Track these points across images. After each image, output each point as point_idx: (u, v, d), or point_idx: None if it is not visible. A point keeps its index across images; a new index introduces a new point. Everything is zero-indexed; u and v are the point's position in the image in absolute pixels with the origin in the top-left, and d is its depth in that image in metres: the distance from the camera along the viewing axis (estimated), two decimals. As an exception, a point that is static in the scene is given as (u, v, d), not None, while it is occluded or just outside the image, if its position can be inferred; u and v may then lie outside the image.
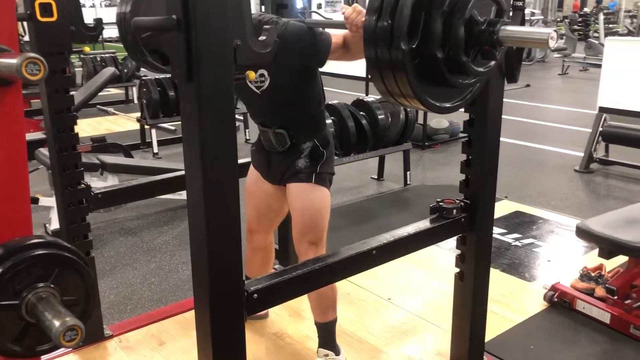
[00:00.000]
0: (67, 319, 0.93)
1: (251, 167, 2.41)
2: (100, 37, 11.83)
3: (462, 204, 2.11)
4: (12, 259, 1.00)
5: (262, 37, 1.46)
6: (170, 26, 1.30)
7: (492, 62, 1.53)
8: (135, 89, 8.46)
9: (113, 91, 9.21)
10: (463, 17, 1.40)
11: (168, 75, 5.72)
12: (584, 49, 12.64)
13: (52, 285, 1.03)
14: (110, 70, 5.29)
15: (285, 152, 2.21)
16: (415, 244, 2.01)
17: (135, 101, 8.68)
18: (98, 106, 7.89)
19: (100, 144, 5.14)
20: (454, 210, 2.06)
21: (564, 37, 14.74)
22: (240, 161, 2.77)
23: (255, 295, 1.57)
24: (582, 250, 3.44)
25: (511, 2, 1.97)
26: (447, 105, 1.59)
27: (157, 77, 5.78)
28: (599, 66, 11.00)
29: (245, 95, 2.19)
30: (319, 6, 16.13)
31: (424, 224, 2.03)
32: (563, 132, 7.08)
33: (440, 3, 1.40)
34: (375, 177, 5.10)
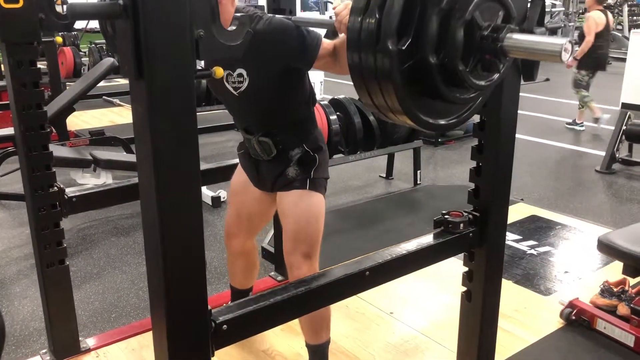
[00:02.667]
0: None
1: (239, 167, 2.21)
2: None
3: (470, 216, 1.87)
4: None
5: (231, 27, 1.24)
6: (115, 13, 1.08)
7: (495, 76, 1.29)
8: (142, 80, 8.25)
9: (121, 81, 9.04)
10: (463, 18, 1.17)
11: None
12: (606, 41, 12.22)
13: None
14: (109, 61, 5.08)
15: (272, 160, 2.01)
16: (416, 263, 1.78)
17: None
18: (104, 97, 7.71)
19: (99, 137, 4.96)
20: (461, 225, 1.83)
21: (586, 30, 14.28)
22: (228, 163, 2.57)
23: (225, 326, 1.36)
24: (603, 261, 3.18)
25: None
26: (442, 122, 1.35)
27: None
28: (623, 60, 10.62)
29: (223, 96, 1.98)
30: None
31: (426, 240, 1.80)
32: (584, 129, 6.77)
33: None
34: (384, 175, 4.85)
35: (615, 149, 4.98)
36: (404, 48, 1.16)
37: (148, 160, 1.16)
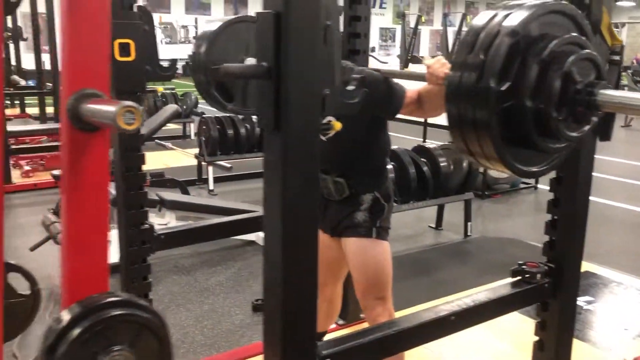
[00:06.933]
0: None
1: None
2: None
3: (546, 267, 1.95)
4: (90, 319, 0.92)
5: (349, 87, 1.39)
6: (261, 74, 1.24)
7: (586, 127, 1.39)
8: (193, 125, 8.59)
9: (171, 126, 9.38)
10: (561, 70, 1.29)
11: (227, 114, 5.79)
12: (648, 100, 12.21)
13: (129, 349, 0.95)
14: (173, 107, 5.36)
15: (342, 201, 2.10)
16: (495, 310, 1.86)
17: (192, 137, 8.84)
18: (157, 140, 8.01)
19: (159, 179, 5.18)
20: (538, 275, 1.91)
21: (626, 88, 14.30)
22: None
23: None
24: (663, 320, 3.18)
25: (607, 57, 1.86)
26: (534, 169, 1.46)
27: (217, 115, 5.85)
28: (665, 118, 10.59)
29: None
30: (373, 49, 16.20)
31: (505, 289, 1.89)
32: (630, 187, 6.75)
33: (539, 50, 1.30)
34: (433, 225, 4.93)
35: (666, 208, 4.97)
36: (503, 89, 1.28)
37: (276, 202, 1.29)
